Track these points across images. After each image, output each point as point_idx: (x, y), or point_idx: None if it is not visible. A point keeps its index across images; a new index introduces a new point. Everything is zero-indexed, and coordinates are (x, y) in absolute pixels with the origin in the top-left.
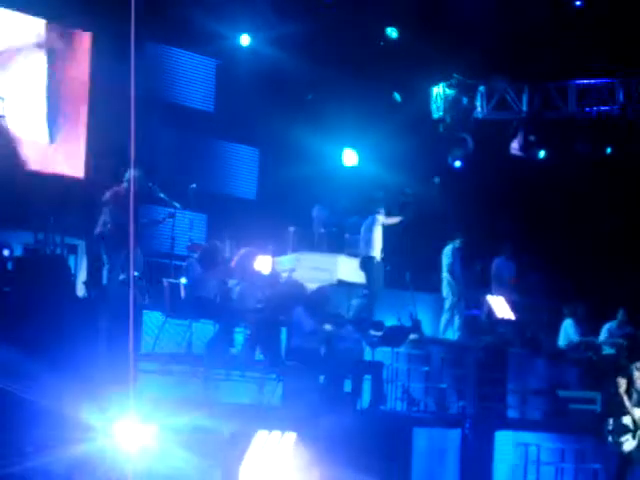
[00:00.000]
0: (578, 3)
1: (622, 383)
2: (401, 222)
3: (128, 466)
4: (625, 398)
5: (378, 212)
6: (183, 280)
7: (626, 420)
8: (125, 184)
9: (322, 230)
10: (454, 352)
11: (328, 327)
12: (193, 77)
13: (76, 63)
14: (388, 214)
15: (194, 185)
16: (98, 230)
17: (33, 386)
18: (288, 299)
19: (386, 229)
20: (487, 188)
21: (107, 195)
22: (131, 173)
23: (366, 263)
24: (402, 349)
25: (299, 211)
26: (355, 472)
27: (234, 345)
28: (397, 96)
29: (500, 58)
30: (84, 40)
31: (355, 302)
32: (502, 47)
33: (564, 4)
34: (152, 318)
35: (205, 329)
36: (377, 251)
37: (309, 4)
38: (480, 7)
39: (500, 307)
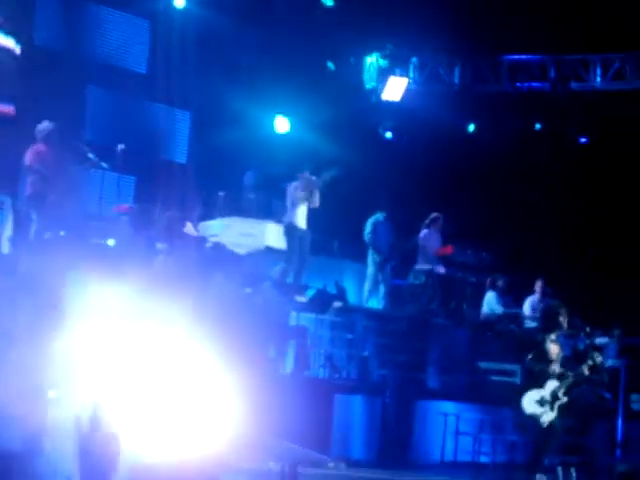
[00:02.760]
0: None
1: (532, 354)
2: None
3: None
4: (538, 369)
5: (298, 179)
6: (111, 241)
7: (544, 392)
8: (41, 143)
9: (252, 196)
10: (378, 321)
11: (249, 290)
12: (126, 37)
13: None
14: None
15: (122, 146)
16: (28, 192)
17: None
18: (214, 263)
19: (321, 196)
20: (418, 159)
21: (28, 156)
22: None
23: (289, 230)
24: (326, 316)
25: (230, 176)
26: (275, 437)
27: None
28: (331, 65)
29: (434, 31)
30: None
31: (279, 267)
32: (437, 20)
33: None
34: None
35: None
36: (301, 218)
37: None
38: None
39: None
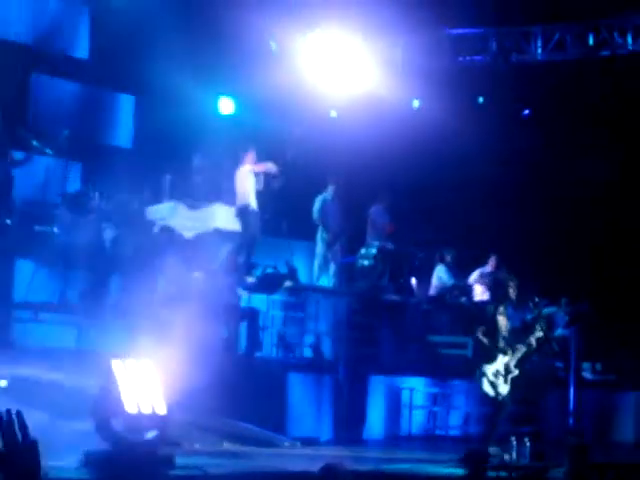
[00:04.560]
0: None
1: (482, 328)
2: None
3: None
4: (487, 342)
5: (243, 162)
6: (55, 229)
7: (496, 365)
8: None
9: (199, 178)
10: (329, 299)
11: (198, 274)
12: (66, 23)
13: None
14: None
15: (66, 132)
16: None
17: None
18: (162, 247)
19: (267, 177)
20: (364, 136)
21: None
22: None
23: (241, 211)
24: (278, 296)
25: (177, 159)
26: (231, 417)
27: (109, 293)
28: (273, 44)
29: (375, 9)
30: None
31: (225, 249)
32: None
33: None
34: (24, 267)
35: (78, 277)
36: (251, 199)
37: None
38: None
39: None
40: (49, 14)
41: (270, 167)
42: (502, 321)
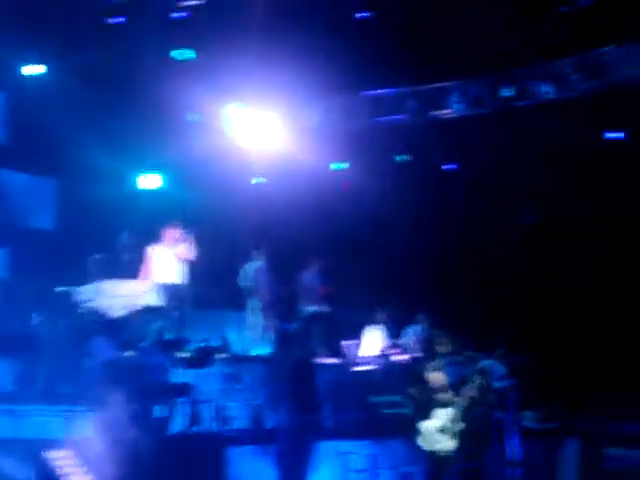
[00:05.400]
0: (362, 15)
1: (416, 386)
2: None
3: None
4: (424, 400)
5: (162, 238)
6: None
7: (434, 422)
8: None
9: (127, 257)
10: (266, 367)
11: (130, 353)
12: None
13: None
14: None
15: None
16: None
17: None
18: (91, 329)
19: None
20: (290, 203)
21: None
22: None
23: (168, 287)
24: (213, 369)
25: (102, 238)
26: None
27: (39, 379)
28: (195, 117)
29: (293, 74)
30: None
31: (157, 325)
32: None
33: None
34: None
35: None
36: (175, 273)
37: (97, 28)
38: (267, 27)
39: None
40: None
41: (184, 250)
42: (436, 377)
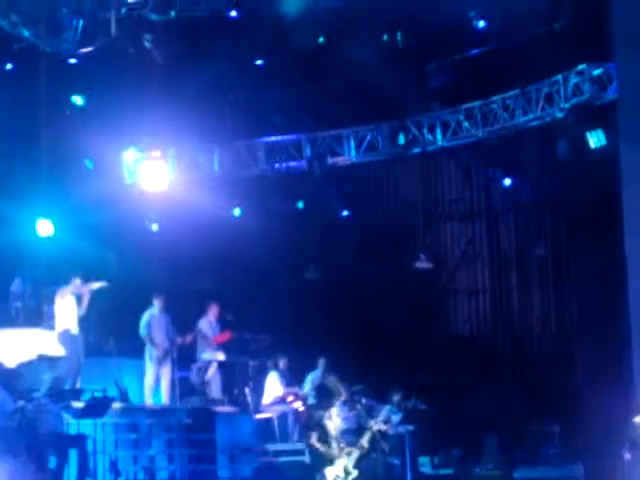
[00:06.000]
0: (259, 62)
1: (313, 434)
2: (104, 286)
3: None
4: (321, 448)
5: (67, 283)
6: None
7: (335, 468)
8: None
9: (19, 304)
10: (162, 417)
11: (22, 403)
12: None
13: None
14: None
15: None
16: None
17: None
18: None
19: (92, 295)
20: (187, 249)
21: None
22: None
23: (62, 336)
24: (108, 419)
25: None
26: None
27: None
28: (89, 163)
29: (188, 120)
30: None
31: (49, 375)
32: (189, 111)
33: (246, 65)
34: None
35: None
36: (70, 322)
37: None
38: (161, 73)
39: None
40: None
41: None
42: (331, 425)
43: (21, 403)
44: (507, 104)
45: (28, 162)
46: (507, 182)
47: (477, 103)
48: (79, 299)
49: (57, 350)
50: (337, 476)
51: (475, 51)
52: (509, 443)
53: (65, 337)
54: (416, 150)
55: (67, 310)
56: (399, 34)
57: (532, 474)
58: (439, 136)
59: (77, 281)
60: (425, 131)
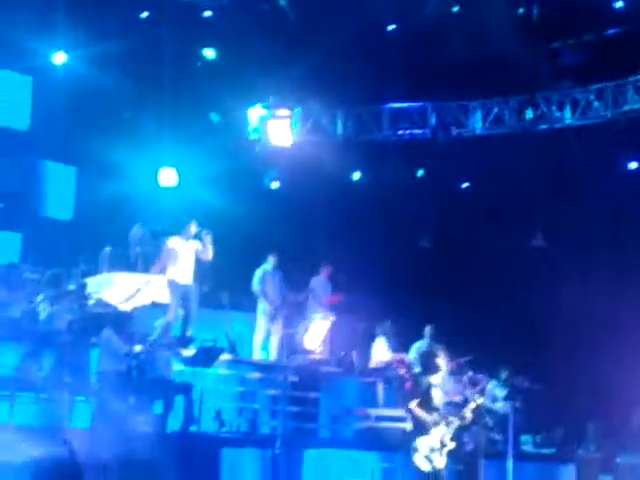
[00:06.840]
0: (390, 27)
1: (415, 400)
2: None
3: None
4: (421, 414)
5: (177, 234)
6: None
7: (431, 438)
8: None
9: (138, 250)
10: (268, 372)
11: (138, 348)
12: (7, 95)
13: None
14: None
15: (1, 204)
16: None
17: None
18: (98, 320)
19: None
20: (304, 209)
21: None
22: None
23: (169, 285)
24: (217, 369)
25: (117, 231)
26: None
27: (42, 367)
28: (214, 116)
29: (315, 82)
30: None
31: (160, 322)
32: (317, 71)
33: (376, 30)
34: None
35: (10, 351)
36: (184, 272)
37: (125, 22)
38: (293, 33)
39: (313, 335)
40: None
41: (202, 248)
42: (436, 394)
43: (134, 347)
44: (639, 86)
45: (154, 111)
46: (632, 165)
47: (610, 84)
48: (196, 248)
49: (170, 297)
50: (431, 448)
51: (611, 31)
52: (613, 427)
53: (174, 287)
54: (543, 126)
55: (188, 258)
56: (535, 8)
57: (635, 460)
58: (567, 114)
59: (193, 227)
60: (554, 108)
